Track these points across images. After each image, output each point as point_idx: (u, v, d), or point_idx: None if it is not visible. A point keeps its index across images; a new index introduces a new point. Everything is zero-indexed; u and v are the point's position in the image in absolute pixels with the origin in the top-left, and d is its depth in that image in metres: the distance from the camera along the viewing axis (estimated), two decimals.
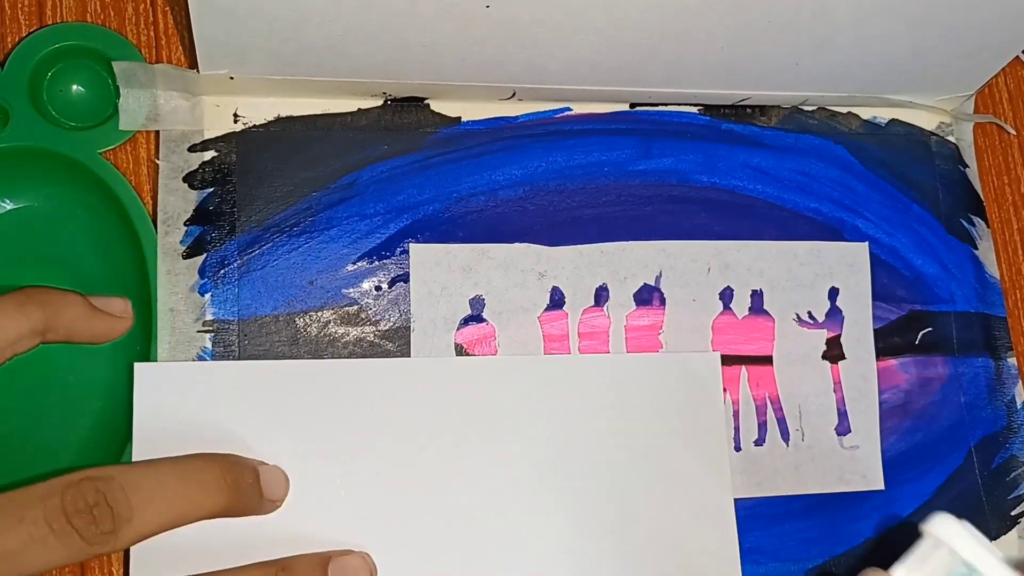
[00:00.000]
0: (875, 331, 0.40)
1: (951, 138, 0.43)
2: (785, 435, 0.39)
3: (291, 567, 0.31)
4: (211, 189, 0.36)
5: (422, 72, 0.36)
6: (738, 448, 0.38)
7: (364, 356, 0.36)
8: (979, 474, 0.40)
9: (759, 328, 0.39)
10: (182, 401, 0.33)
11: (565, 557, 0.34)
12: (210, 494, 0.29)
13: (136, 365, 0.33)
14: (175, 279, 0.35)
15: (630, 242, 0.39)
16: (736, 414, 0.38)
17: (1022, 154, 0.44)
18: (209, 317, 0.35)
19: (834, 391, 0.39)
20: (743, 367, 0.39)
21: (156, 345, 0.34)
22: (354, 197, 0.37)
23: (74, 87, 0.35)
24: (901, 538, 0.39)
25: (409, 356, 0.36)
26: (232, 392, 0.33)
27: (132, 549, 0.31)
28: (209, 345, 0.34)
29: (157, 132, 0.36)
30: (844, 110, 0.42)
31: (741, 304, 0.39)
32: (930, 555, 0.29)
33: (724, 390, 0.38)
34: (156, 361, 0.34)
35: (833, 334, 0.40)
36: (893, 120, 0.43)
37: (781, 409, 0.39)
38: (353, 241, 0.36)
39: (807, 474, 0.38)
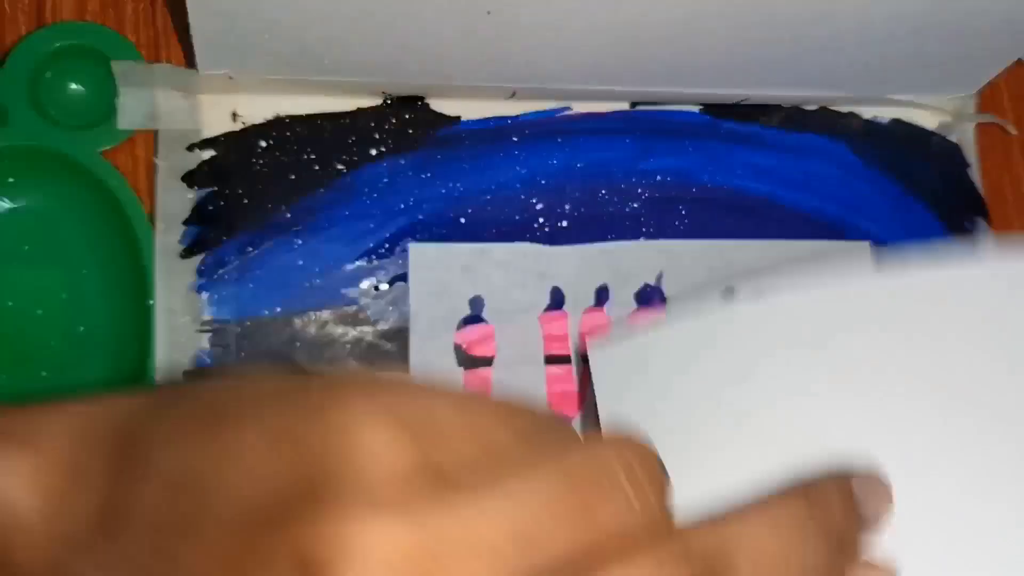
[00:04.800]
0: None
1: (953, 138, 0.43)
2: None
3: (816, 492, 0.25)
4: (210, 189, 0.35)
5: (422, 72, 0.36)
6: None
7: (363, 356, 0.35)
8: None
9: None
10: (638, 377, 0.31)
11: None
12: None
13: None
14: (173, 279, 0.35)
15: (630, 242, 0.38)
16: None
17: (1023, 155, 0.44)
18: (207, 317, 0.35)
19: None
20: None
21: (154, 345, 0.34)
22: (353, 196, 0.37)
23: (73, 86, 0.35)
24: None
25: (408, 356, 0.36)
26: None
27: None
28: (207, 345, 0.34)
29: (156, 131, 0.36)
30: (845, 110, 0.42)
31: None
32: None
33: None
34: (153, 362, 0.33)
35: None
36: (895, 120, 0.42)
37: None
38: (352, 241, 0.36)
39: None
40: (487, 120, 0.38)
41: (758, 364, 0.31)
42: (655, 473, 0.20)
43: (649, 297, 0.38)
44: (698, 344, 0.31)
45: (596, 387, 0.31)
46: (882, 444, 0.29)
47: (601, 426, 0.31)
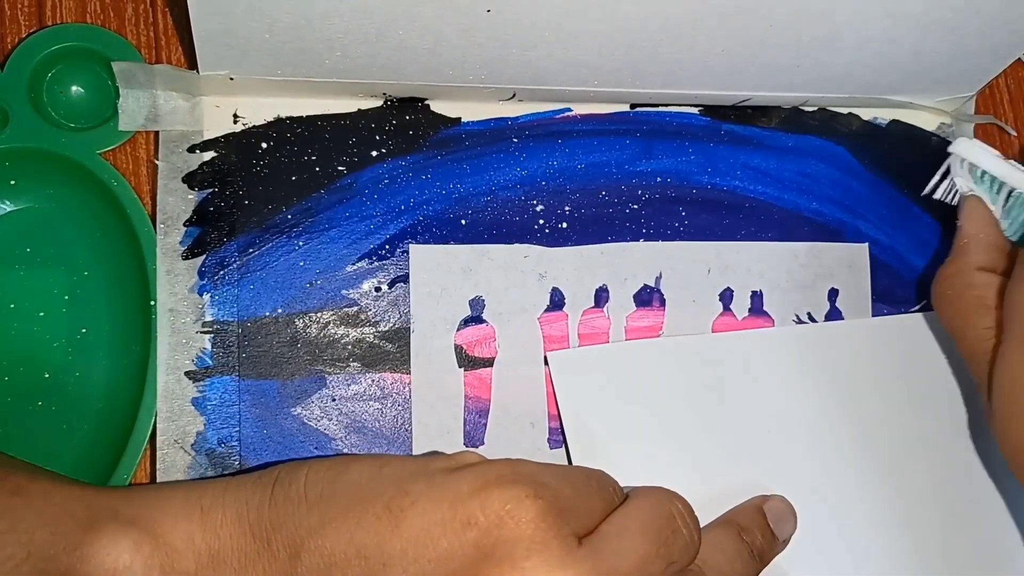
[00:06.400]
0: None
1: (952, 139, 0.43)
2: None
3: (743, 518, 0.34)
4: (211, 190, 0.36)
5: (422, 73, 0.36)
6: None
7: (364, 357, 0.36)
8: None
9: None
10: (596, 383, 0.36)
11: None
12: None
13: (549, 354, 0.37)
14: (175, 280, 0.35)
15: (630, 243, 0.39)
16: None
17: (1022, 155, 0.44)
18: (209, 318, 0.35)
19: None
20: None
21: (156, 345, 0.34)
22: (354, 197, 0.37)
23: (74, 88, 0.35)
24: None
25: (408, 357, 0.36)
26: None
27: None
28: (209, 346, 0.34)
29: (156, 133, 0.36)
30: (845, 111, 0.42)
31: (741, 305, 0.39)
32: (955, 171, 0.37)
33: None
34: (155, 362, 0.34)
35: None
36: (894, 121, 0.43)
37: None
38: (353, 242, 0.36)
39: None
40: (487, 121, 0.38)
41: (694, 389, 0.37)
42: (693, 515, 0.30)
43: (648, 298, 0.38)
44: (641, 364, 0.37)
45: (558, 393, 0.36)
46: (786, 464, 0.37)
47: (564, 429, 0.36)
